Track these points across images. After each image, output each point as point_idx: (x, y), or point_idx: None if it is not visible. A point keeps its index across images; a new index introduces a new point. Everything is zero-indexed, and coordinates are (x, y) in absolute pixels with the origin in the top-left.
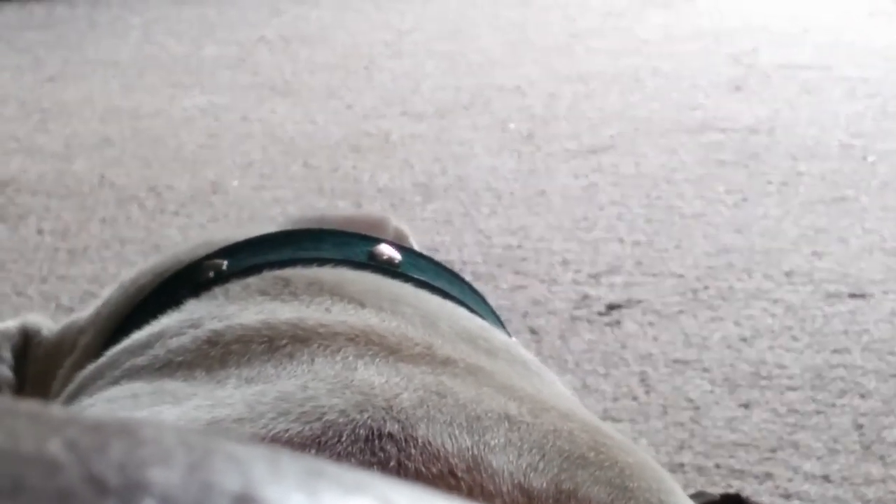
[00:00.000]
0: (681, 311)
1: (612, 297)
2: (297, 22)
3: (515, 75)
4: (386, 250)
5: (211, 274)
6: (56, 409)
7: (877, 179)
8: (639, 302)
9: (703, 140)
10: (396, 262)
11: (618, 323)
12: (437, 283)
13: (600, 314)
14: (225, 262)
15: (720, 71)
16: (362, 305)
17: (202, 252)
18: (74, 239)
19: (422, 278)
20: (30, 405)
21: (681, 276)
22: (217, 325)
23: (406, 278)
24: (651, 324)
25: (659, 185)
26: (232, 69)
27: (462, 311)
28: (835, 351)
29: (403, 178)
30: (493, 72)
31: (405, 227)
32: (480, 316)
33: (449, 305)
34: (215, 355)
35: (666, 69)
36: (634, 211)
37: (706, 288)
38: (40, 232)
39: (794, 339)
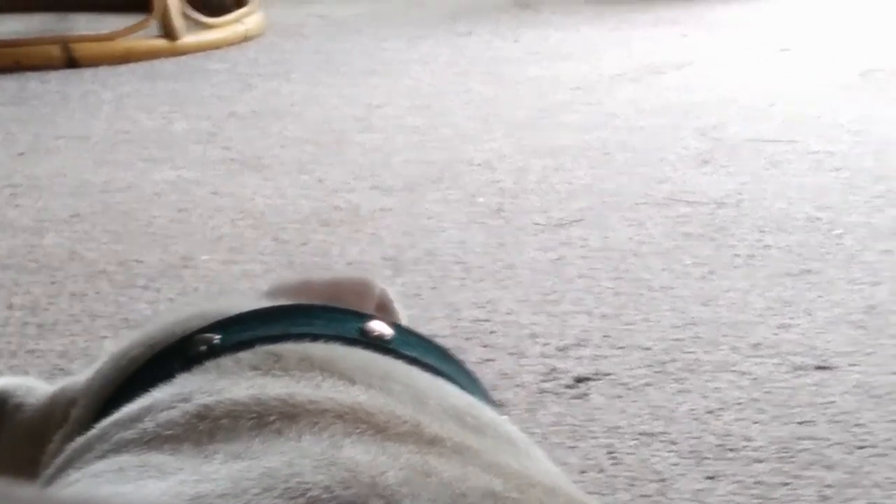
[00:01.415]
0: (648, 384)
1: (580, 370)
2: (268, 97)
3: (485, 150)
4: (377, 327)
5: (203, 348)
6: (42, 492)
7: (843, 252)
8: (606, 375)
9: (670, 213)
10: (387, 338)
11: (585, 396)
12: (428, 360)
13: (568, 387)
14: (217, 337)
15: (688, 144)
16: (352, 382)
17: (195, 325)
18: (44, 313)
19: (412, 355)
20: (20, 489)
21: (648, 348)
22: (207, 399)
23: (397, 355)
24: (618, 396)
25: (627, 258)
26: (203, 144)
27: (451, 389)
28: (801, 423)
29: (373, 252)
30: (463, 146)
31: (389, 290)
32: (470, 393)
33: (439, 383)
34: (204, 430)
35: (634, 143)
36: (602, 284)
37: (673, 360)
38: (10, 307)
39: (761, 411)
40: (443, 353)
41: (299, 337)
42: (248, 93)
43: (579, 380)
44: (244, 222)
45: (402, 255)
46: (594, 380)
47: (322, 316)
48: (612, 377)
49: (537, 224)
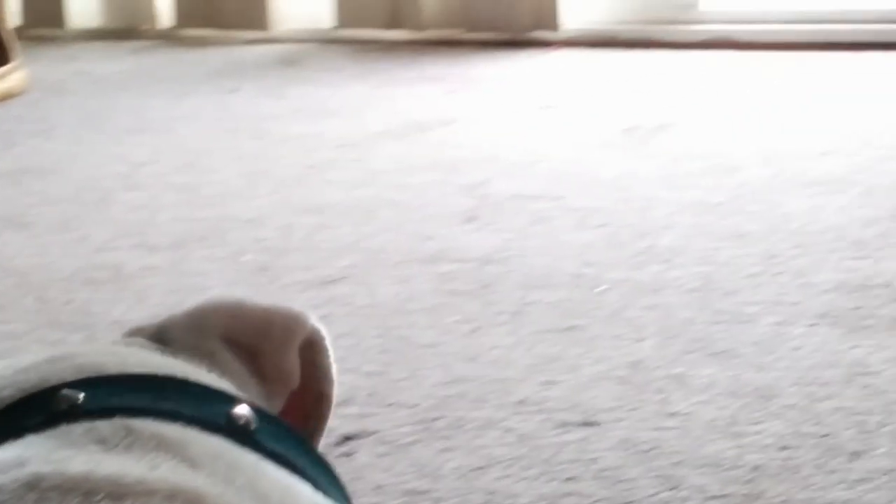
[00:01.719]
0: (414, 442)
1: (346, 429)
2: (31, 154)
3: (251, 207)
4: (244, 412)
5: (64, 406)
6: None
7: (607, 308)
8: (372, 433)
9: (436, 270)
10: (252, 427)
11: (351, 454)
12: (289, 455)
13: (334, 445)
14: (82, 396)
15: (453, 202)
16: (195, 467)
17: (67, 376)
18: None
19: (272, 448)
20: None
21: (414, 406)
22: (41, 468)
23: (257, 446)
24: (384, 455)
25: (392, 315)
26: None
27: (302, 488)
28: (566, 479)
29: (138, 311)
30: (229, 203)
31: (322, 328)
32: (327, 493)
33: (290, 481)
34: (30, 499)
35: (399, 200)
36: (368, 342)
37: (440, 418)
38: None
39: (527, 467)
40: (306, 449)
41: (161, 414)
42: (11, 150)
43: (345, 438)
44: (7, 281)
45: (167, 313)
46: (360, 438)
47: (194, 393)
48: (378, 435)
49: (302, 282)
